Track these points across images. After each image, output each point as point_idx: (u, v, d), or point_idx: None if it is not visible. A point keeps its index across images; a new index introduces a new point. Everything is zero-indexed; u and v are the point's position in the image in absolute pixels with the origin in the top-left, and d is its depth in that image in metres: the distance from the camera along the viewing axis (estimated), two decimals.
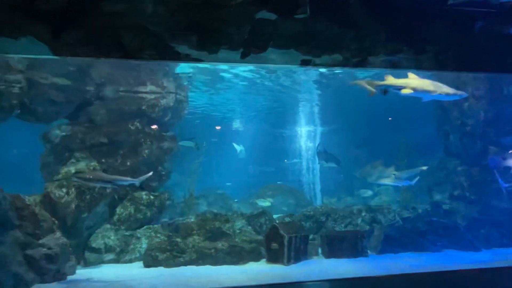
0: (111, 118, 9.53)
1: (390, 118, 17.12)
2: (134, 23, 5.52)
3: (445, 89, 7.20)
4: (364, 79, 10.82)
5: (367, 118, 17.10)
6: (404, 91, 6.96)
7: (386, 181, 10.19)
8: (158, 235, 8.71)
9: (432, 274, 6.89)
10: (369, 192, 13.21)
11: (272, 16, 6.67)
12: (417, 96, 7.27)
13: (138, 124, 9.69)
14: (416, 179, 10.06)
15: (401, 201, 12.13)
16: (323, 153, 13.97)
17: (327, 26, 6.97)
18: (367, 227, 9.50)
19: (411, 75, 7.19)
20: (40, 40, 5.07)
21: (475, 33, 7.44)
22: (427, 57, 7.73)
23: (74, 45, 5.33)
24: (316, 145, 18.53)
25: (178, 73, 11.28)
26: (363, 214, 9.90)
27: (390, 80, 7.08)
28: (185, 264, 7.87)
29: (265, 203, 13.24)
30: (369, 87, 7.10)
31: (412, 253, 8.86)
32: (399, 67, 8.01)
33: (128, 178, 7.63)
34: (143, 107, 9.85)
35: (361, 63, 7.76)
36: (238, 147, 12.10)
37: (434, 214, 9.79)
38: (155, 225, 9.01)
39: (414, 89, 6.96)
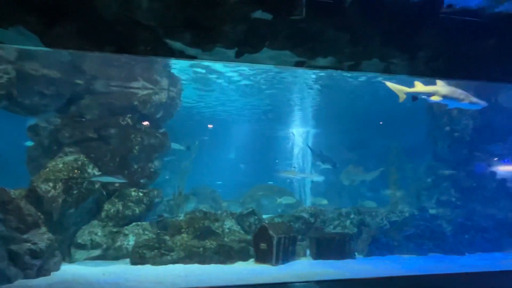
0: (101, 113, 9.40)
1: (381, 122, 17.32)
2: (129, 17, 5.46)
3: (470, 98, 7.47)
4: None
5: (360, 122, 17.29)
6: (434, 98, 7.29)
7: (300, 176, 11.41)
8: (146, 232, 8.63)
9: (416, 277, 7.00)
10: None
11: (268, 16, 6.67)
12: (444, 103, 7.57)
13: (129, 119, 9.57)
14: (322, 178, 10.87)
15: (390, 205, 12.28)
16: (319, 155, 14.14)
17: (322, 28, 7.01)
18: (355, 230, 9.59)
19: (439, 82, 7.44)
20: (31, 31, 4.96)
21: (465, 41, 7.60)
22: (419, 63, 7.86)
23: (67, 37, 5.24)
24: (309, 146, 18.66)
25: (171, 70, 11.19)
26: (352, 216, 9.99)
27: (420, 87, 7.36)
28: (173, 262, 7.82)
29: (290, 200, 13.59)
30: (400, 93, 7.43)
31: (398, 256, 8.99)
32: (392, 72, 8.12)
33: None
34: (135, 103, 9.74)
35: (355, 67, 7.83)
36: (178, 146, 12.12)
37: (421, 218, 9.95)
38: (144, 222, 8.92)
39: (443, 96, 7.29)
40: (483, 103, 7.66)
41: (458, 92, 7.37)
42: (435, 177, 11.45)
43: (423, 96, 7.38)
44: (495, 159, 10.97)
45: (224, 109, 17.59)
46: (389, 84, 7.75)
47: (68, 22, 5.02)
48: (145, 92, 9.94)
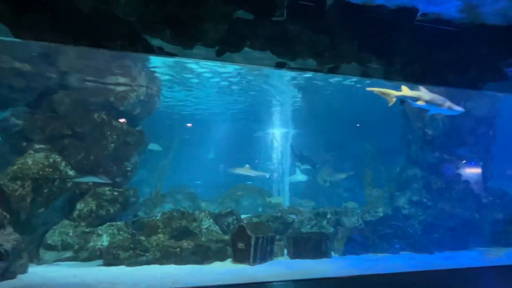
0: (75, 109, 9.06)
1: (358, 125, 17.77)
2: (106, 10, 5.30)
3: (450, 104, 7.94)
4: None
5: (338, 124, 17.66)
6: (418, 103, 7.73)
7: (244, 172, 11.49)
8: (121, 232, 8.41)
9: (388, 275, 7.24)
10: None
11: (250, 17, 6.69)
12: (427, 108, 8.00)
13: (104, 116, 9.29)
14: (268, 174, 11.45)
15: (365, 205, 12.63)
16: (300, 155, 14.33)
17: (303, 31, 7.12)
18: (332, 229, 9.78)
19: (422, 88, 7.86)
20: (0, 21, 4.71)
21: (437, 49, 7.97)
22: (395, 68, 8.16)
23: (39, 28, 5.02)
24: (289, 147, 18.87)
25: (150, 67, 10.97)
26: (329, 216, 10.18)
27: (406, 91, 7.76)
28: (148, 263, 7.66)
29: (277, 200, 13.76)
30: (389, 97, 7.79)
31: (372, 254, 9.26)
32: (369, 76, 8.39)
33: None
34: (111, 99, 9.47)
35: (334, 70, 8.02)
36: (154, 146, 12.09)
37: (394, 218, 10.29)
38: (118, 222, 8.68)
39: (426, 101, 7.71)
40: (460, 109, 8.10)
41: (439, 99, 7.82)
42: (408, 178, 11.89)
43: (409, 100, 7.79)
44: (463, 162, 11.54)
45: (204, 108, 17.44)
46: (376, 90, 8.06)
47: (41, 12, 4.81)
48: (122, 88, 9.68)
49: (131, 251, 7.63)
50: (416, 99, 7.73)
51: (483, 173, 11.63)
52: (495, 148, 12.12)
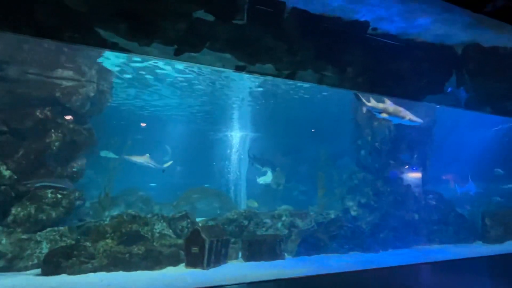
0: (14, 103, 8.25)
1: (313, 130, 18.45)
2: None
3: (410, 116, 8.71)
4: None
5: (294, 128, 18.16)
6: (383, 114, 8.45)
7: (142, 161, 10.61)
8: (64, 238, 7.80)
9: (337, 274, 7.59)
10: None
11: (210, 18, 6.65)
12: (390, 119, 8.76)
13: (48, 112, 8.58)
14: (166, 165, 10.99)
15: (318, 207, 13.12)
16: (260, 158, 14.46)
17: (263, 36, 7.25)
18: (286, 231, 10.00)
19: (386, 100, 8.56)
20: None
21: (386, 61, 8.61)
22: (347, 77, 8.64)
23: None
24: (247, 150, 18.97)
25: (102, 62, 10.36)
26: (283, 218, 10.40)
27: (374, 103, 8.51)
28: (94, 270, 7.18)
29: (253, 204, 13.41)
30: (363, 106, 8.47)
31: (323, 255, 9.61)
32: (324, 84, 8.78)
33: None
34: (57, 94, 8.78)
35: (292, 76, 8.27)
36: (106, 153, 11.73)
37: (344, 220, 10.82)
38: (61, 228, 8.04)
39: (390, 113, 8.46)
40: (420, 121, 8.91)
41: (402, 111, 8.62)
42: (358, 182, 12.62)
43: (375, 112, 8.55)
44: (405, 167, 12.55)
45: (160, 109, 16.89)
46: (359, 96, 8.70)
47: None
48: (70, 83, 9.03)
49: (74, 259, 7.09)
50: (381, 110, 8.47)
51: (422, 177, 12.75)
52: (432, 155, 13.37)
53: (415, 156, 12.66)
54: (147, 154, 9.52)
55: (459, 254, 9.93)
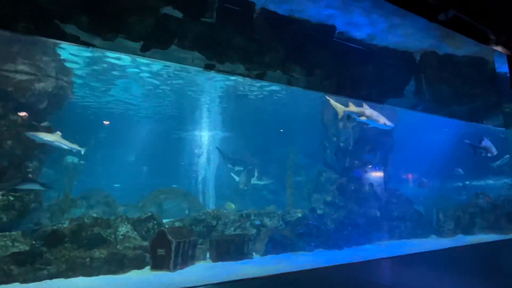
0: None
1: (281, 130, 18.73)
2: None
3: (384, 120, 9.28)
4: None
5: (263, 128, 18.32)
6: (362, 118, 8.96)
7: (52, 140, 8.64)
8: (17, 244, 7.23)
9: (302, 272, 7.76)
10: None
11: (178, 14, 6.51)
12: (367, 122, 9.24)
13: (0, 108, 7.94)
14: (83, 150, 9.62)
15: (286, 206, 13.34)
16: (231, 158, 14.39)
17: (232, 35, 7.23)
18: (254, 231, 10.05)
19: (365, 105, 9.07)
20: None
21: (351, 65, 8.95)
22: (315, 79, 8.86)
23: None
24: (216, 149, 18.82)
25: (61, 56, 9.78)
26: (252, 218, 10.44)
27: (353, 107, 8.99)
28: (50, 277, 6.75)
29: (230, 206, 13.03)
30: (339, 111, 8.88)
31: (290, 253, 9.77)
32: (293, 85, 8.93)
33: None
34: (9, 89, 8.15)
35: (261, 76, 8.33)
36: (71, 158, 11.20)
37: (311, 218, 11.09)
38: (14, 232, 7.46)
39: (367, 117, 8.95)
40: (392, 125, 9.47)
41: (377, 115, 9.14)
42: (324, 181, 12.99)
43: (354, 115, 9.03)
44: (369, 166, 13.14)
45: (126, 106, 16.27)
46: (332, 102, 9.08)
47: None
48: (25, 77, 8.42)
49: (28, 265, 6.62)
50: (360, 114, 8.97)
51: (384, 176, 13.42)
52: (393, 155, 14.10)
53: (378, 156, 13.29)
54: (58, 132, 8.14)
55: (416, 248, 10.55)
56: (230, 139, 21.09)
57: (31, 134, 7.86)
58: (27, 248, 7.14)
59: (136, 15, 6.24)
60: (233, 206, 13.40)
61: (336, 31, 8.25)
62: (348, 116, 9.37)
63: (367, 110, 9.09)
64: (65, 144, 8.36)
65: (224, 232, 9.83)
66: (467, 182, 18.35)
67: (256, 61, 7.80)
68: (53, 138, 8.12)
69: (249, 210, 10.83)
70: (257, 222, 10.24)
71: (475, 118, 11.80)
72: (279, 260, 8.99)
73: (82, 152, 8.88)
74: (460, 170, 16.91)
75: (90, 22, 5.91)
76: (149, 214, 9.25)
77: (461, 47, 9.10)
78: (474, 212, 13.77)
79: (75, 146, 8.68)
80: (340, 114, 9.01)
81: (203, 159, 21.37)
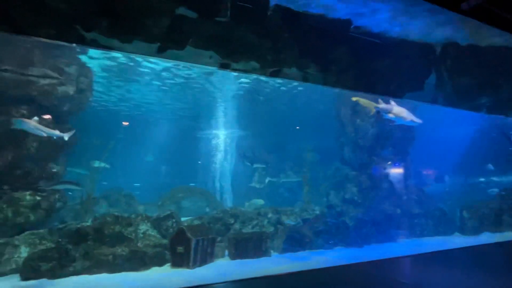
0: None
1: (297, 127, 18.59)
2: None
3: (412, 117, 9.28)
4: None
5: (279, 126, 18.24)
6: (390, 115, 8.98)
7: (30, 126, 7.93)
8: (44, 242, 7.56)
9: (322, 270, 7.69)
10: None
11: (193, 15, 6.57)
12: (395, 119, 9.20)
13: (25, 111, 8.27)
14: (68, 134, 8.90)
15: (303, 204, 13.25)
16: (252, 156, 14.48)
17: (247, 33, 7.22)
18: (272, 228, 10.04)
19: (392, 102, 9.09)
20: None
21: (368, 59, 8.74)
22: (331, 75, 8.72)
23: None
24: (235, 148, 18.94)
25: (81, 59, 10.08)
26: (269, 215, 10.44)
27: (383, 105, 9.05)
28: (76, 273, 7.01)
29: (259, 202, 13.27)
30: (372, 108, 8.99)
31: (309, 251, 9.71)
32: (308, 81, 8.83)
33: None
34: (34, 93, 8.47)
35: (277, 73, 8.28)
36: (98, 163, 11.68)
37: (329, 216, 10.96)
38: (41, 231, 7.79)
39: (395, 114, 8.98)
40: (420, 121, 9.36)
41: (405, 112, 9.12)
42: (342, 178, 12.81)
43: (383, 112, 9.06)
44: (388, 163, 12.84)
45: (146, 107, 16.60)
46: (362, 100, 9.18)
47: None
48: (47, 81, 8.73)
49: (54, 262, 6.89)
50: (388, 111, 8.98)
51: (404, 173, 13.08)
52: (413, 151, 13.71)
53: (397, 152, 12.95)
54: (36, 118, 7.69)
55: (439, 246, 10.24)
56: (247, 137, 21.13)
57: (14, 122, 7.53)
58: (53, 245, 7.43)
59: (152, 17, 6.33)
60: (262, 201, 13.45)
61: (352, 26, 8.09)
62: (378, 113, 9.31)
63: (395, 106, 9.05)
64: (43, 130, 8.15)
65: (242, 230, 9.88)
66: (495, 178, 17.64)
67: (271, 59, 7.76)
68: (31, 125, 7.86)
69: (266, 208, 10.84)
70: (291, 222, 10.25)
71: (500, 111, 11.31)
72: (297, 257, 8.96)
73: (66, 138, 8.62)
74: (490, 165, 16.32)
75: (108, 26, 6.05)
76: (168, 212, 9.41)
77: (485, 36, 8.72)
78: (501, 209, 13.22)
79: (55, 132, 8.43)
80: (372, 111, 9.05)
81: (220, 158, 21.53)
